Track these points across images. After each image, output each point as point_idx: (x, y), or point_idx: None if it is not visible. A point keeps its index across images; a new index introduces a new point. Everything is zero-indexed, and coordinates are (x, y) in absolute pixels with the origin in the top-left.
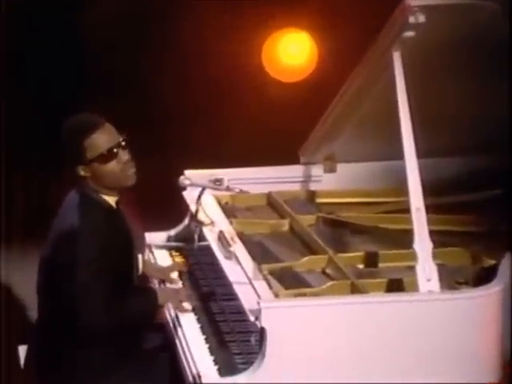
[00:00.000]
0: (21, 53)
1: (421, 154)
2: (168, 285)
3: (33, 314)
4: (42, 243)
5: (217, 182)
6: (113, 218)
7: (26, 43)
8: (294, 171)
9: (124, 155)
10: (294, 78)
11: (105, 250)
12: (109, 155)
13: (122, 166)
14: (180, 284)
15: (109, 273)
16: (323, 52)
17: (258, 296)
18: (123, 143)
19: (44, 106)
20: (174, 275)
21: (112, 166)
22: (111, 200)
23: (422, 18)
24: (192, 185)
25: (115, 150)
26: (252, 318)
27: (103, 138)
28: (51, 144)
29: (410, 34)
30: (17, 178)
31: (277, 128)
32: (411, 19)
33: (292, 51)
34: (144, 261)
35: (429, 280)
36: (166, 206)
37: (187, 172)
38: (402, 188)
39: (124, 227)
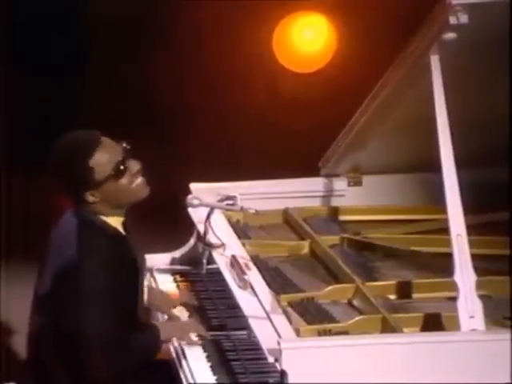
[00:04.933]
0: (21, 54)
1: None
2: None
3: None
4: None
5: (229, 201)
6: (119, 244)
7: (25, 44)
8: (314, 184)
9: (134, 165)
10: (309, 69)
11: (112, 283)
12: (119, 170)
13: (131, 178)
14: (185, 316)
15: (116, 309)
16: (342, 38)
17: (278, 334)
18: (128, 152)
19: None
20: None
21: (124, 181)
22: (117, 222)
23: (464, 19)
24: (201, 205)
25: (124, 163)
26: (271, 359)
27: (108, 153)
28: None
29: (450, 35)
30: (17, 189)
31: (290, 129)
32: (452, 20)
33: (307, 37)
34: (150, 290)
35: (472, 317)
36: (169, 222)
37: (193, 186)
38: (438, 204)
39: (132, 254)
